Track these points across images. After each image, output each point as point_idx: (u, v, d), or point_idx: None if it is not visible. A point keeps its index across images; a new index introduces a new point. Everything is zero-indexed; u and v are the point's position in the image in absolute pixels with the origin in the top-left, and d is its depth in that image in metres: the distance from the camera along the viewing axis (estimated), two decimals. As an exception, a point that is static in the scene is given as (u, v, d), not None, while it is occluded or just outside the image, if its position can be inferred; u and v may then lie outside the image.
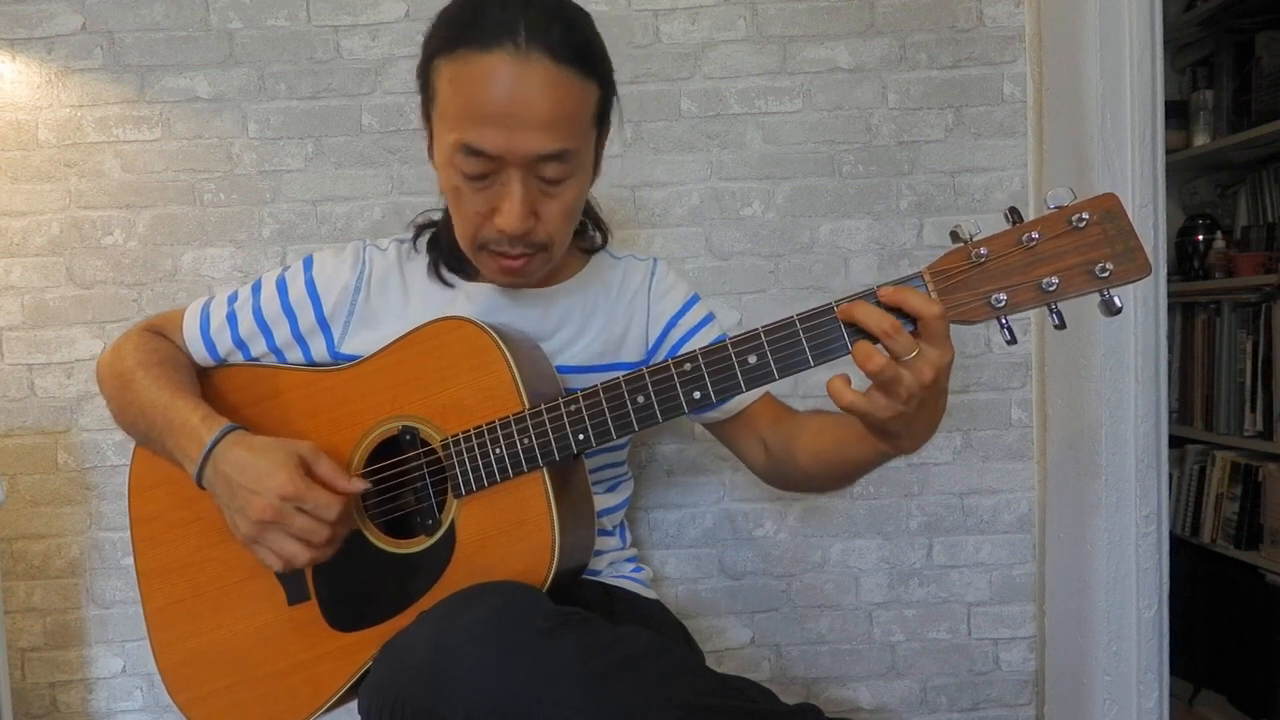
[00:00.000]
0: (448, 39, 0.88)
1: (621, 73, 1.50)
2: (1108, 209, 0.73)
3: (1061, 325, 0.75)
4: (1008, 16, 1.52)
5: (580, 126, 0.90)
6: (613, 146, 1.52)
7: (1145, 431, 1.40)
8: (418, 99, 0.95)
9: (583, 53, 0.89)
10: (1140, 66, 1.36)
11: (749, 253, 1.54)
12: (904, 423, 0.78)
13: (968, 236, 0.75)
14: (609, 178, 1.51)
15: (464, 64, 0.86)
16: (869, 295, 0.77)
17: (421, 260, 1.09)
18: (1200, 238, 2.27)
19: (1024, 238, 0.73)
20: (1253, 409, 2.04)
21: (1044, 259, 0.74)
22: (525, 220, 0.90)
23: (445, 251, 1.06)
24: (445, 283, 1.06)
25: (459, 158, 0.88)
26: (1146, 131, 1.37)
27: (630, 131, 1.51)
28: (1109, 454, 1.42)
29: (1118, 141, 1.38)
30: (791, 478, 1.04)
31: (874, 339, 0.75)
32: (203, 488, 0.94)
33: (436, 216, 1.10)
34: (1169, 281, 1.49)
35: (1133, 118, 1.36)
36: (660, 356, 1.09)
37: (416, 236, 1.10)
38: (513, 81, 0.84)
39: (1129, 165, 1.37)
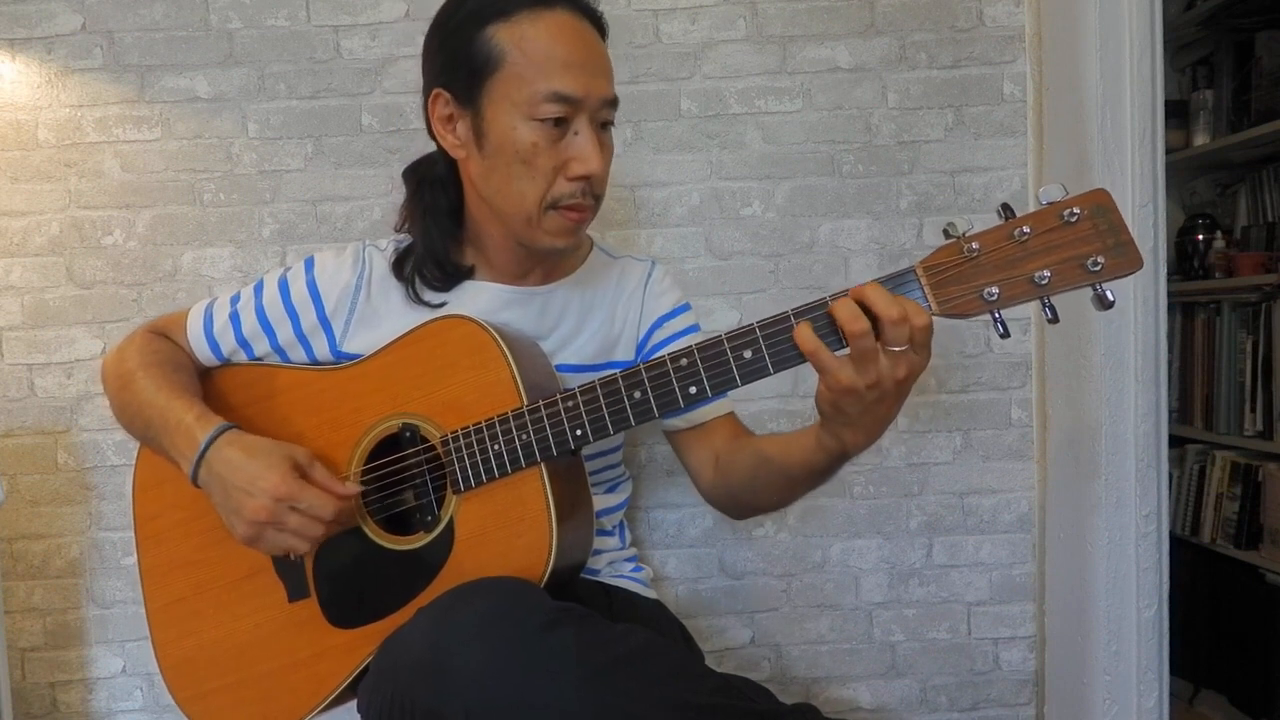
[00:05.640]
0: (495, 6, 0.93)
1: (621, 73, 1.51)
2: (1099, 204, 0.73)
3: (1054, 319, 0.76)
4: (1008, 16, 1.52)
5: None
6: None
7: (1145, 431, 1.40)
8: (441, 98, 0.96)
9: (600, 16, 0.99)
10: (1140, 66, 1.36)
11: (749, 253, 1.54)
12: (858, 407, 0.78)
13: (960, 232, 0.76)
14: (609, 177, 1.51)
15: (530, 23, 0.92)
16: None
17: None
18: (1200, 237, 2.27)
19: (1016, 232, 0.74)
20: (1253, 409, 2.04)
21: (1036, 253, 0.74)
22: (605, 162, 0.96)
23: (430, 264, 1.04)
24: (427, 304, 1.04)
25: (543, 108, 0.92)
26: (1146, 131, 1.37)
27: (630, 131, 1.51)
28: (1109, 454, 1.41)
29: (1118, 141, 1.38)
30: (733, 488, 1.04)
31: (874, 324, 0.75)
32: (198, 486, 0.95)
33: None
34: (1169, 281, 1.49)
35: (1133, 117, 1.36)
36: (642, 356, 1.10)
37: (399, 263, 1.06)
38: (580, 34, 0.94)
39: (1129, 165, 1.37)
